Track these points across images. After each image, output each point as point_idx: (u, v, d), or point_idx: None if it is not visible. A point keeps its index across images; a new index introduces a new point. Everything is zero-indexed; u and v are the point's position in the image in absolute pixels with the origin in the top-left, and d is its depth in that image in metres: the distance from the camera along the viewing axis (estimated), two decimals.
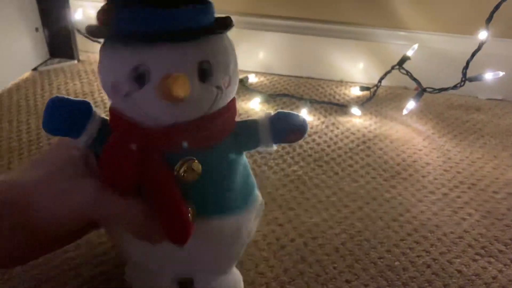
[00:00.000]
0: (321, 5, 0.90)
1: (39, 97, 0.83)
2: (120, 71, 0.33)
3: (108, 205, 0.34)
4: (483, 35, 0.70)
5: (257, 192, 0.43)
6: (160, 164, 0.35)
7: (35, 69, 0.94)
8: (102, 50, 0.34)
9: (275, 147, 0.40)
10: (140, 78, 0.33)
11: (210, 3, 0.34)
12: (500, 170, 0.69)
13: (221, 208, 0.38)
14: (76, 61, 0.98)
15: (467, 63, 0.73)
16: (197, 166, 0.35)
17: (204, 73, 0.33)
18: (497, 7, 0.67)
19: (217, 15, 0.35)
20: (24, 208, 0.32)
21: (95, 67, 0.95)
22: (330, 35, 0.90)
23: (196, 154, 0.35)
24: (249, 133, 0.39)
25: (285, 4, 0.91)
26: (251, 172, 0.42)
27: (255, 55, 0.95)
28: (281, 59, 0.94)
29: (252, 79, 0.92)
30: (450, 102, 0.87)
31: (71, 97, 0.35)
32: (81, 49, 0.99)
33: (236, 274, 0.46)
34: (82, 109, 0.35)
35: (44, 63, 0.97)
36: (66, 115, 0.35)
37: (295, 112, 0.40)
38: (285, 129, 0.39)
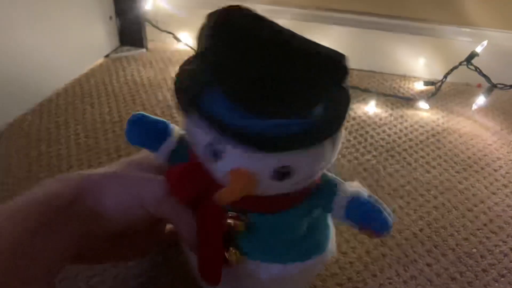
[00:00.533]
0: (387, 0, 0.91)
1: (115, 82, 0.88)
2: (195, 138, 0.33)
3: (169, 207, 0.35)
4: None
5: (327, 251, 0.39)
6: (215, 212, 0.35)
7: (107, 56, 0.99)
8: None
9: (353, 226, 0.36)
10: (214, 154, 0.31)
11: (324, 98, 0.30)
12: None
13: (270, 256, 0.37)
14: (144, 50, 1.03)
15: None
16: (243, 225, 0.35)
17: (281, 176, 0.31)
18: None
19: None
20: (97, 196, 0.34)
21: (163, 55, 0.99)
22: (395, 30, 0.92)
23: (256, 216, 0.35)
24: (323, 203, 0.37)
25: None
26: (329, 226, 0.40)
27: None
28: (345, 52, 0.96)
29: None
30: None
31: (151, 116, 0.38)
32: (149, 38, 1.03)
33: None
34: (160, 129, 0.38)
35: (115, 50, 1.01)
36: (144, 133, 0.37)
37: (382, 210, 0.35)
38: (360, 224, 0.35)
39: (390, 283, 0.49)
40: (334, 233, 0.41)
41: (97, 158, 0.66)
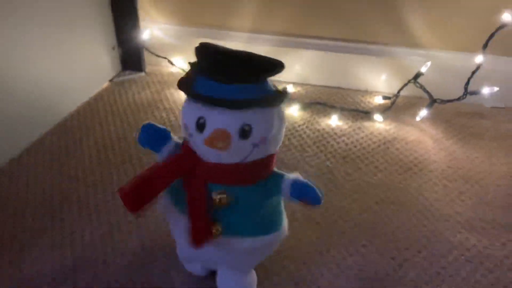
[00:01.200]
0: (349, 26, 1.07)
1: (119, 103, 1.04)
2: (189, 118, 0.48)
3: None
4: (479, 59, 0.86)
5: (282, 229, 0.54)
6: (200, 187, 0.49)
7: (111, 80, 1.15)
8: (185, 100, 0.50)
9: (294, 202, 0.51)
10: (200, 127, 0.47)
11: (263, 83, 0.47)
12: (495, 167, 0.85)
13: (244, 231, 0.52)
14: (143, 73, 1.19)
15: (468, 80, 0.89)
16: (226, 199, 0.50)
17: (244, 133, 0.46)
18: (492, 35, 0.83)
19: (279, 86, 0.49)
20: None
21: (160, 78, 1.15)
22: (357, 52, 1.07)
23: (231, 189, 0.49)
24: (275, 188, 0.51)
25: (319, 26, 1.08)
26: (282, 212, 0.55)
27: (294, 69, 1.13)
28: (315, 72, 1.12)
29: (290, 88, 1.10)
30: (458, 110, 1.02)
31: (155, 124, 0.53)
32: (148, 63, 1.19)
33: (251, 276, 0.59)
34: (162, 134, 0.53)
35: (117, 75, 1.17)
36: (151, 137, 0.53)
37: (314, 188, 0.50)
38: (299, 198, 0.50)
39: (333, 261, 0.64)
40: (286, 219, 0.57)
41: (107, 168, 0.82)
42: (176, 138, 0.54)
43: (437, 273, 0.63)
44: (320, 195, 0.50)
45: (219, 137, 0.46)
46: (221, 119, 0.46)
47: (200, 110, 0.47)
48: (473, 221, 0.72)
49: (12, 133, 0.84)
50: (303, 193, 0.50)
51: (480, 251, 0.67)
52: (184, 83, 0.49)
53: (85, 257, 0.65)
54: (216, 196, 0.49)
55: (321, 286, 0.61)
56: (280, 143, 0.51)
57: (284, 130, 0.51)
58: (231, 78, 0.46)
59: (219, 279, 0.59)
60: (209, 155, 0.48)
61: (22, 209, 0.73)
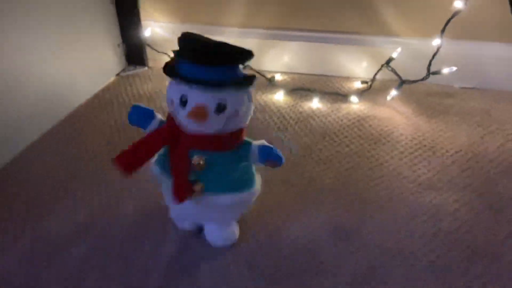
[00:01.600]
0: (328, 19, 1.18)
1: (125, 95, 1.16)
2: (174, 95, 0.58)
3: None
4: (437, 41, 0.97)
5: (254, 188, 0.65)
6: (183, 153, 0.60)
7: (117, 74, 1.27)
8: (169, 81, 0.61)
9: (261, 165, 0.63)
10: (183, 103, 0.57)
11: (236, 66, 0.57)
12: (455, 138, 0.95)
13: (220, 189, 0.63)
14: (146, 68, 1.31)
15: (430, 61, 1.00)
16: (202, 162, 0.60)
17: (220, 108, 0.56)
18: (448, 21, 0.94)
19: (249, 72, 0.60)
20: None
21: (161, 72, 1.25)
22: (337, 42, 1.18)
23: (208, 154, 0.60)
24: (245, 153, 0.63)
25: (303, 20, 1.20)
26: (254, 174, 0.66)
27: (281, 59, 1.24)
28: (300, 61, 1.23)
29: (278, 77, 1.21)
30: (430, 91, 1.13)
31: (143, 105, 0.64)
32: (150, 58, 1.31)
33: (233, 228, 0.70)
34: (149, 113, 0.64)
35: (123, 70, 1.30)
36: (139, 116, 0.63)
37: (277, 150, 0.62)
38: (266, 159, 0.62)
39: (305, 216, 0.76)
40: (260, 180, 0.68)
41: (113, 152, 0.94)
42: (159, 116, 0.65)
43: (395, 224, 0.74)
44: (283, 157, 0.62)
45: (199, 111, 0.57)
46: (200, 96, 0.56)
47: (183, 89, 0.57)
48: (432, 182, 0.83)
49: (28, 123, 0.97)
50: (268, 155, 0.62)
51: (435, 206, 0.78)
52: (168, 68, 0.59)
53: (94, 219, 0.77)
54: (196, 160, 0.61)
55: (294, 236, 0.72)
56: (249, 119, 0.62)
57: (252, 108, 0.62)
58: (209, 62, 0.56)
59: (206, 232, 0.71)
60: (191, 126, 0.59)
61: (40, 185, 0.85)
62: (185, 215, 0.70)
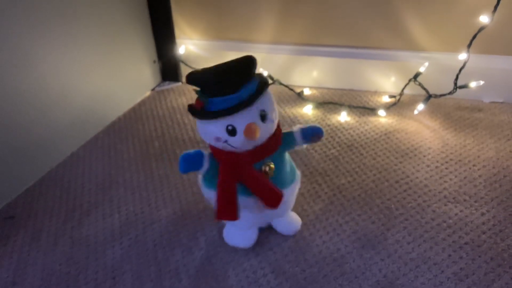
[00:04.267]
0: (358, 34, 1.20)
1: (159, 108, 1.21)
2: (218, 132, 0.61)
3: None
4: (463, 56, 0.98)
5: (298, 172, 0.73)
6: (252, 169, 0.65)
7: (153, 89, 1.33)
8: (199, 123, 0.64)
9: (305, 146, 0.70)
10: (232, 132, 0.60)
11: (254, 76, 0.62)
12: (483, 151, 0.95)
13: (285, 184, 0.69)
14: (180, 83, 1.36)
15: (457, 76, 1.00)
16: (272, 165, 0.67)
17: (264, 117, 0.62)
18: (474, 36, 0.95)
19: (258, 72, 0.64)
20: None
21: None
22: (366, 57, 1.20)
23: (268, 159, 0.66)
24: (291, 141, 0.69)
25: (331, 35, 1.22)
26: (292, 162, 0.72)
27: (310, 74, 1.27)
28: (329, 76, 1.26)
29: (307, 91, 1.24)
30: (458, 105, 1.13)
31: (191, 152, 0.66)
32: (184, 74, 1.37)
33: (294, 215, 0.78)
34: (197, 156, 0.66)
35: (158, 85, 1.35)
36: (190, 164, 0.66)
37: (317, 125, 0.69)
38: (310, 134, 0.69)
39: (330, 226, 0.78)
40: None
41: (148, 160, 0.99)
42: (206, 152, 0.67)
43: (420, 236, 0.75)
44: (322, 128, 0.69)
45: (252, 129, 0.60)
46: (244, 117, 0.60)
47: (225, 122, 0.60)
48: (458, 195, 0.83)
49: (72, 132, 1.03)
50: (312, 131, 0.69)
51: (461, 219, 0.78)
52: (200, 113, 0.61)
53: (129, 223, 0.81)
54: (265, 167, 0.66)
55: (320, 245, 0.74)
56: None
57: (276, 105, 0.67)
58: (236, 89, 0.60)
59: (278, 227, 0.77)
60: (248, 145, 0.63)
61: (80, 190, 0.90)
62: (259, 220, 0.75)
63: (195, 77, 0.61)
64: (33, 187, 0.93)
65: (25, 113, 0.90)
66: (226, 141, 0.62)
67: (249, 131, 0.60)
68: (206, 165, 0.66)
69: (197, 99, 0.62)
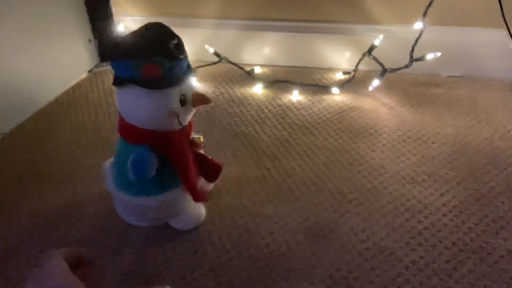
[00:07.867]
0: (310, 8, 1.12)
1: (95, 92, 1.10)
2: (171, 104, 0.57)
3: None
4: (418, 25, 0.92)
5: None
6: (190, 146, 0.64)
7: (90, 71, 1.21)
8: (146, 98, 0.56)
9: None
10: (183, 101, 0.57)
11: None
12: (442, 128, 0.89)
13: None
14: None
15: (412, 48, 0.94)
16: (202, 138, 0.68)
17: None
18: (430, 4, 0.89)
19: None
20: None
21: None
22: (319, 31, 1.13)
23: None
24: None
25: (282, 9, 1.14)
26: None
27: (260, 51, 1.18)
28: (281, 53, 1.18)
29: (257, 70, 1.15)
30: (415, 81, 1.07)
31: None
32: None
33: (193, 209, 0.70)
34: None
35: (95, 66, 1.24)
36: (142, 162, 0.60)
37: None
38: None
39: (278, 215, 0.70)
40: None
41: (80, 148, 0.88)
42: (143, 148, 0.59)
43: (376, 222, 0.69)
44: None
45: (201, 95, 0.59)
46: (190, 85, 0.59)
47: (177, 91, 0.57)
48: (417, 175, 0.77)
49: None
50: None
51: (420, 201, 0.72)
52: (156, 81, 0.55)
53: (57, 219, 0.71)
54: (197, 139, 0.67)
55: (264, 236, 0.66)
56: None
57: None
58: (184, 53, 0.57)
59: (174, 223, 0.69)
60: (188, 119, 0.61)
61: (3, 183, 0.79)
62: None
63: (157, 35, 0.55)
64: None
65: None
66: (177, 115, 0.58)
67: (198, 99, 0.58)
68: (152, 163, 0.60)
69: (150, 66, 0.54)
